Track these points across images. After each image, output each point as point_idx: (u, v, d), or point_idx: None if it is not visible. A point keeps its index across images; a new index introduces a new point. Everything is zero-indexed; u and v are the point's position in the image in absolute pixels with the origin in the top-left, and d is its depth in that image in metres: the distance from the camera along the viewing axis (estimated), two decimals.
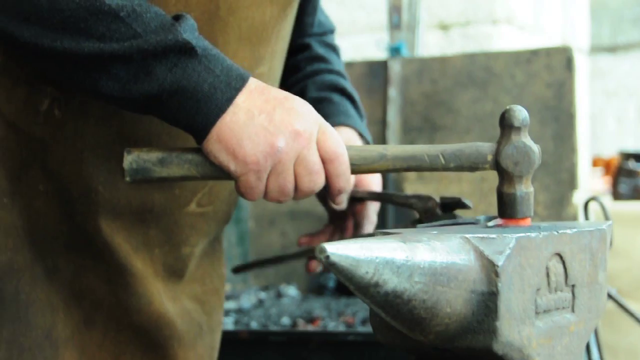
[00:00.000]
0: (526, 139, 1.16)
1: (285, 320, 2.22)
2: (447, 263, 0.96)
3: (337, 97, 1.51)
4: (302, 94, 1.50)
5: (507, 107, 1.17)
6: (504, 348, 0.98)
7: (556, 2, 4.54)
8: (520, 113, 1.15)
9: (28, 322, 1.26)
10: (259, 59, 1.31)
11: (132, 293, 1.32)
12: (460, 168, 1.21)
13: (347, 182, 1.16)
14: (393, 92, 2.61)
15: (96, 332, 1.32)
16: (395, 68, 2.62)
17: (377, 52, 3.06)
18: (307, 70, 1.54)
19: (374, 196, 1.49)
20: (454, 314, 0.97)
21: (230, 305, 2.36)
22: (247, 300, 2.42)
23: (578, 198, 2.46)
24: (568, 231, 1.07)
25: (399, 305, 0.95)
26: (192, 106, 1.09)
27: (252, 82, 1.12)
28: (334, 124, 1.44)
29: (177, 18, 1.11)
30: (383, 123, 2.60)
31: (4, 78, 1.22)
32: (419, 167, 1.20)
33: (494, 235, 0.99)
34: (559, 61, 2.51)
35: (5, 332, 1.24)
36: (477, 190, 2.36)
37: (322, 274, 2.63)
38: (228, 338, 2.03)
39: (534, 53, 2.61)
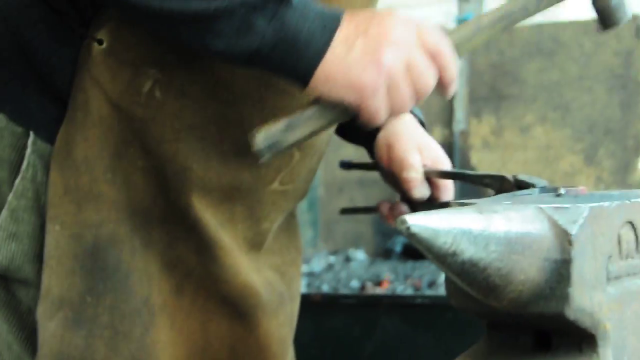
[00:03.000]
0: None
1: (354, 283, 2.26)
2: (522, 232, 0.99)
3: None
4: None
5: None
6: (575, 314, 1.01)
7: None
8: None
9: (129, 290, 1.32)
10: (372, 1, 1.39)
11: (220, 264, 1.38)
12: (550, 3, 1.25)
13: (454, 72, 1.18)
14: (460, 63, 2.63)
15: (185, 300, 1.39)
16: None
17: (445, 23, 3.08)
18: None
19: (447, 175, 1.50)
20: (528, 281, 1.00)
21: (302, 268, 2.42)
22: (318, 264, 2.48)
23: None
24: None
25: (474, 273, 0.98)
26: (293, 54, 1.13)
27: (344, 17, 1.15)
28: None
29: None
30: None
31: (110, 59, 1.27)
32: (514, 22, 1.23)
33: (567, 205, 1.02)
34: (628, 30, 2.50)
35: (109, 299, 1.31)
36: (542, 157, 2.38)
37: (390, 239, 2.68)
38: (301, 301, 2.10)
39: None
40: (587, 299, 1.02)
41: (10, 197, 1.29)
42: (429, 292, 2.05)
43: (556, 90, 2.51)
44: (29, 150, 1.28)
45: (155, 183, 1.32)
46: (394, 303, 2.04)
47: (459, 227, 0.96)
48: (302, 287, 2.23)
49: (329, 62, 1.13)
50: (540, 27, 2.58)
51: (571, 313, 1.01)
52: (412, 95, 1.16)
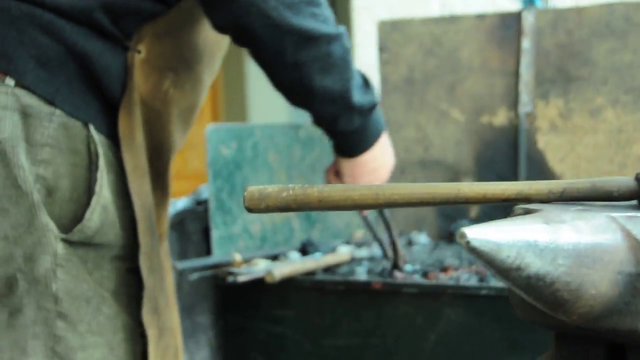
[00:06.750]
0: None
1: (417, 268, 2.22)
2: (592, 244, 0.94)
3: None
4: None
5: None
6: None
7: None
8: None
9: None
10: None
11: None
12: None
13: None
14: (526, 44, 2.53)
15: None
16: (529, 19, 2.54)
17: (509, 3, 2.98)
18: None
19: None
20: (599, 296, 0.95)
21: (363, 253, 2.39)
22: (379, 248, 2.43)
23: None
24: None
25: (541, 288, 0.93)
26: (362, 139, 1.72)
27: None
28: None
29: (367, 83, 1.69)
30: (516, 75, 2.53)
31: (146, 66, 1.59)
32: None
33: None
34: None
35: None
36: (613, 141, 2.28)
37: (453, 222, 2.62)
38: (362, 288, 2.07)
39: None
40: None
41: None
42: (494, 282, 2.00)
43: (628, 73, 2.39)
44: (96, 140, 1.51)
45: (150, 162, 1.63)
46: (459, 293, 1.99)
47: (524, 239, 0.91)
48: (363, 274, 2.19)
49: (366, 155, 1.75)
50: (611, 6, 2.45)
51: None
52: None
